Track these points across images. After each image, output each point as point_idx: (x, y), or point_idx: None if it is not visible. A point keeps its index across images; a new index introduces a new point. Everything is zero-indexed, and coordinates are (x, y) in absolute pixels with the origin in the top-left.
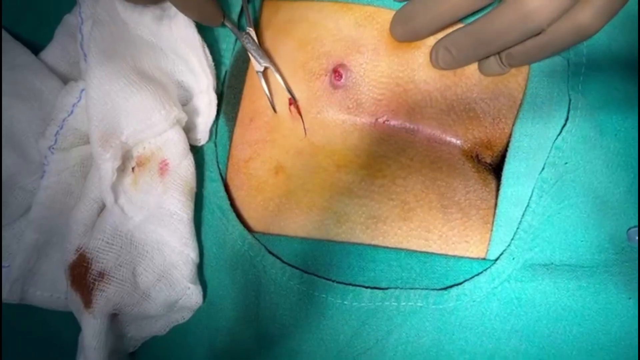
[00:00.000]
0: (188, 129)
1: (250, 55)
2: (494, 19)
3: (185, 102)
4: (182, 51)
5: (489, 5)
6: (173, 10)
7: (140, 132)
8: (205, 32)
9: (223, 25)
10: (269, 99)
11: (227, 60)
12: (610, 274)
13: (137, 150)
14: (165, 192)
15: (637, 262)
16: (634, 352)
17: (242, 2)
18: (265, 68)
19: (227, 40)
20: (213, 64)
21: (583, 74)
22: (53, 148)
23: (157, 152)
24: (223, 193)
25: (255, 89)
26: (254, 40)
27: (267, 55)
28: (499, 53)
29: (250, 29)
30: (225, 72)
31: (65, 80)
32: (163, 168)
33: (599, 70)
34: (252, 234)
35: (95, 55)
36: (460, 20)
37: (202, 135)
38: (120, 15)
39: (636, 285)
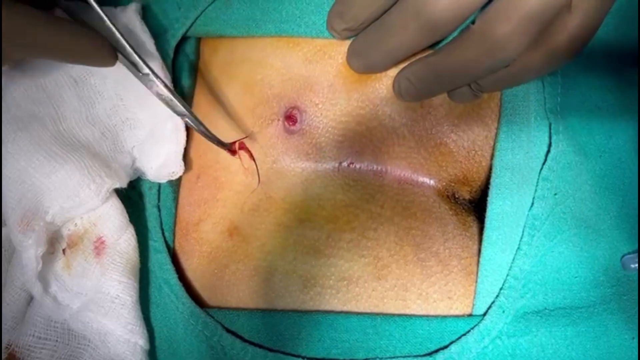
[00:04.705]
0: (157, 166)
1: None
2: (457, 51)
3: (140, 139)
4: (130, 82)
5: (445, 39)
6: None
7: (68, 210)
8: None
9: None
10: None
11: None
12: (609, 312)
13: (67, 229)
14: (103, 273)
15: (636, 294)
16: None
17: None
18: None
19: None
20: (172, 84)
21: (560, 94)
22: None
23: (90, 229)
24: (170, 265)
25: (201, 141)
26: (165, 84)
27: (187, 101)
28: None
29: (158, 71)
30: None
31: None
32: (99, 247)
33: (577, 86)
34: (206, 310)
35: (8, 124)
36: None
37: (175, 168)
38: (41, 67)
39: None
